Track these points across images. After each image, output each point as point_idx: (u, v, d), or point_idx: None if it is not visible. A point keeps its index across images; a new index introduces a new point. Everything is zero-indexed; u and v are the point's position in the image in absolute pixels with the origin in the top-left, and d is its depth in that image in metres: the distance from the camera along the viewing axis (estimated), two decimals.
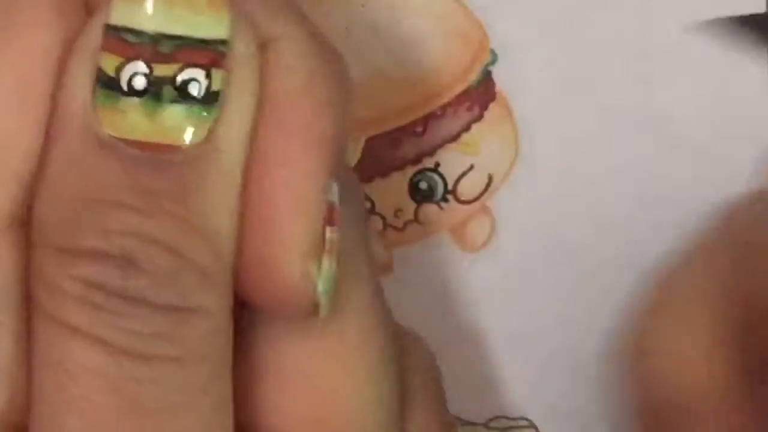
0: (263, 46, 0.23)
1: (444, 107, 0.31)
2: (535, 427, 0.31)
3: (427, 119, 0.31)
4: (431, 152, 0.31)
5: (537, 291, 0.31)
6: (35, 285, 0.22)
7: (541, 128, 0.31)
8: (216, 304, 0.22)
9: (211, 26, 0.22)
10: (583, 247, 0.31)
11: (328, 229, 0.23)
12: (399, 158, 0.31)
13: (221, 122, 0.22)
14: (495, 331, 0.31)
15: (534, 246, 0.31)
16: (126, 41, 0.21)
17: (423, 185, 0.31)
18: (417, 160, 0.31)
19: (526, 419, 0.31)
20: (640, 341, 0.28)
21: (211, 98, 0.22)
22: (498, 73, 0.31)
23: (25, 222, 0.22)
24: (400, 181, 0.31)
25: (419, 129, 0.31)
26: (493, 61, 0.31)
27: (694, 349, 0.27)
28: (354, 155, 0.31)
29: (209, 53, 0.22)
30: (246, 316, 0.24)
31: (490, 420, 0.31)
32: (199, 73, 0.22)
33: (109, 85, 0.21)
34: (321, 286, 0.23)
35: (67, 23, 0.22)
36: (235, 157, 0.22)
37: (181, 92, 0.21)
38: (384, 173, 0.31)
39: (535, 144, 0.31)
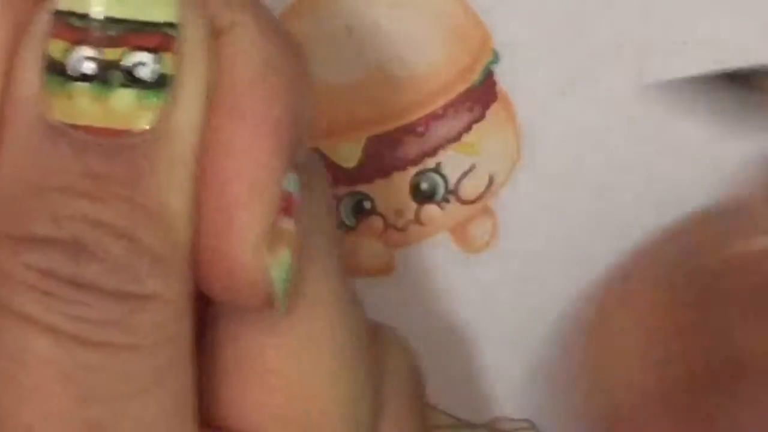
0: (218, 33, 0.22)
1: (445, 107, 0.31)
2: (537, 429, 0.31)
3: (429, 119, 0.31)
4: (432, 152, 0.31)
5: (538, 291, 0.31)
6: None
7: (543, 128, 0.31)
8: (171, 290, 0.22)
9: (158, 9, 0.22)
10: (584, 247, 0.31)
11: (284, 220, 0.23)
12: (400, 158, 0.31)
13: (173, 107, 0.22)
14: (496, 331, 0.31)
15: (535, 246, 0.31)
16: (72, 26, 0.21)
17: (424, 185, 0.31)
18: (418, 160, 0.31)
19: (528, 420, 0.31)
20: (583, 351, 0.28)
21: (160, 82, 0.21)
22: (500, 73, 0.31)
23: None
24: (401, 181, 0.31)
25: (420, 129, 0.31)
26: (495, 61, 0.30)
27: (633, 360, 0.26)
28: (355, 155, 0.31)
29: (157, 37, 0.21)
30: (210, 309, 0.24)
31: (492, 421, 0.31)
32: (147, 57, 0.21)
33: (57, 70, 0.21)
34: (276, 276, 0.22)
35: (16, 10, 0.22)
36: (187, 142, 0.22)
37: (130, 76, 0.21)
38: (385, 173, 0.31)
39: (536, 144, 0.31)
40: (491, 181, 0.31)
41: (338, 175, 0.31)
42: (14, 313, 0.21)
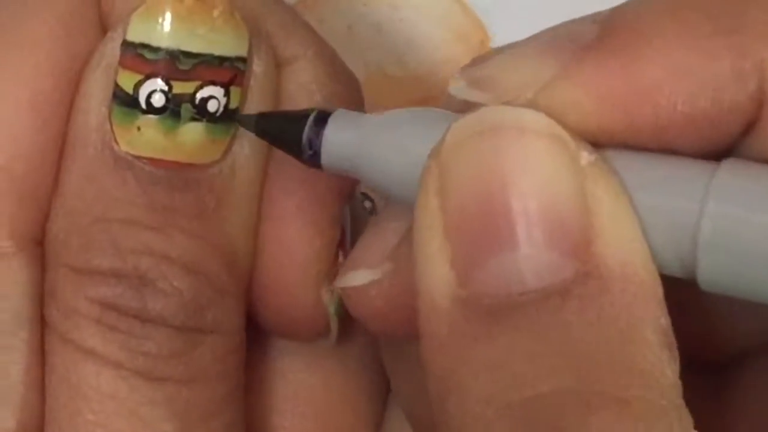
0: (279, 67, 0.23)
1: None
2: None
3: None
4: None
5: None
6: (50, 305, 0.21)
7: None
8: (232, 324, 0.22)
9: (230, 44, 0.21)
10: None
11: (339, 254, 0.23)
12: None
13: (238, 141, 0.22)
14: None
15: None
16: (144, 58, 0.21)
17: None
18: None
19: None
20: None
21: (228, 116, 0.21)
22: None
23: (39, 242, 0.22)
24: None
25: None
26: None
27: None
28: None
29: (228, 71, 0.21)
30: (254, 338, 0.24)
31: None
32: (218, 91, 0.21)
33: (126, 102, 0.21)
34: (332, 309, 0.23)
35: (77, 39, 0.22)
36: (251, 176, 0.22)
37: (199, 110, 0.21)
38: None
39: None
40: None
41: None
42: (78, 347, 0.21)
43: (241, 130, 0.22)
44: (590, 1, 0.30)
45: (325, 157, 0.20)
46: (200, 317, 0.21)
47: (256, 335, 0.23)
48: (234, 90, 0.21)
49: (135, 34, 0.21)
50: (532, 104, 0.18)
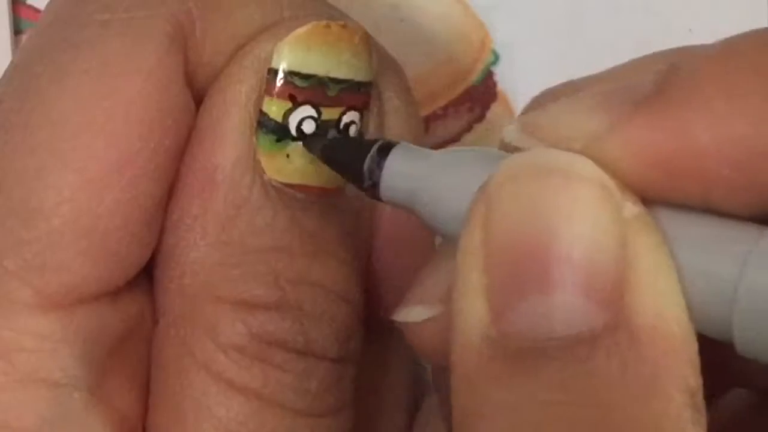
0: None
1: (445, 107, 0.31)
2: None
3: (429, 119, 0.31)
4: None
5: None
6: (195, 337, 0.21)
7: None
8: (357, 348, 0.22)
9: (366, 69, 0.22)
10: None
11: None
12: None
13: None
14: None
15: None
16: (295, 86, 0.21)
17: None
18: None
19: None
20: None
21: None
22: (500, 73, 0.31)
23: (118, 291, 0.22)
24: None
25: None
26: (495, 61, 0.31)
27: None
28: None
29: (364, 96, 0.22)
30: None
31: None
32: (356, 116, 0.22)
33: (275, 130, 0.21)
34: None
35: (166, 93, 0.21)
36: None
37: (343, 135, 0.22)
38: None
39: None
40: None
41: None
42: (226, 382, 0.21)
43: None
44: (590, 2, 0.30)
45: (384, 189, 0.20)
46: (348, 347, 0.21)
47: None
48: (365, 114, 0.22)
49: (285, 63, 0.21)
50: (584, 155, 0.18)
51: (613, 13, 0.30)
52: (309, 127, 0.21)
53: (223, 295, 0.21)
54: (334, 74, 0.21)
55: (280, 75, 0.21)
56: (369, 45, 0.22)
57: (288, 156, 0.21)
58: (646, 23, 0.30)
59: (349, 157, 0.20)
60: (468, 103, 0.31)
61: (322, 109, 0.21)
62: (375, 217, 0.23)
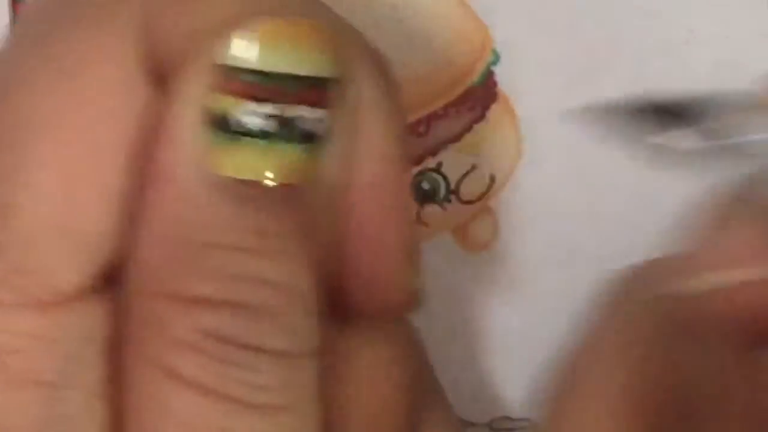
0: None
1: (446, 107, 0.31)
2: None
3: (429, 119, 0.31)
4: (433, 152, 0.31)
5: (539, 291, 0.31)
6: (146, 337, 0.21)
7: (543, 128, 0.31)
8: (319, 341, 0.22)
9: (325, 64, 0.21)
10: (585, 248, 0.31)
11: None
12: None
13: (331, 157, 0.22)
14: (497, 331, 0.31)
15: (536, 246, 0.31)
16: (246, 82, 0.21)
17: (425, 185, 0.31)
18: (419, 160, 0.31)
19: (528, 420, 0.31)
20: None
21: (324, 135, 0.21)
22: (500, 73, 0.31)
23: (99, 289, 0.21)
24: None
25: (421, 129, 0.31)
26: (495, 61, 0.31)
27: None
28: None
29: (326, 92, 0.21)
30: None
31: (493, 421, 0.31)
32: (317, 112, 0.21)
33: (223, 126, 0.21)
34: (419, 280, 0.23)
35: (134, 88, 0.21)
36: (341, 189, 0.22)
37: (300, 131, 0.21)
38: None
39: (537, 144, 0.31)
40: (492, 181, 0.31)
41: None
42: (181, 380, 0.21)
43: (335, 146, 0.22)
44: (590, 2, 0.31)
45: None
46: (301, 342, 0.21)
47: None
48: (330, 110, 0.21)
49: (230, 58, 0.21)
50: None
51: (614, 14, 0.30)
52: (261, 124, 0.21)
53: (171, 292, 0.21)
54: (292, 71, 0.21)
55: (231, 71, 0.21)
56: (333, 41, 0.21)
57: (239, 153, 0.21)
58: (646, 23, 0.30)
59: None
60: (468, 103, 0.31)
61: (279, 107, 0.21)
62: (344, 208, 0.22)
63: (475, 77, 0.31)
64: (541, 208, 0.31)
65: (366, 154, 0.22)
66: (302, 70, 0.21)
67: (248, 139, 0.21)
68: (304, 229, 0.21)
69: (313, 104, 0.21)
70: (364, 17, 0.30)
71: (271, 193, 0.21)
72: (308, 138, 0.21)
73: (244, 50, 0.21)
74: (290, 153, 0.21)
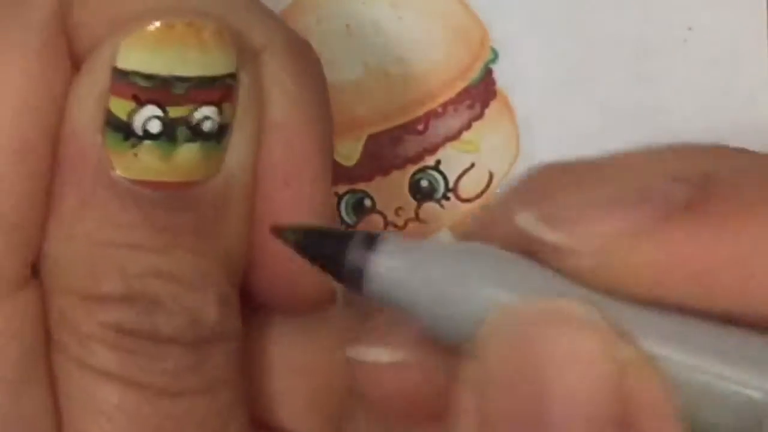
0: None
1: (445, 105, 0.31)
2: None
3: (428, 117, 0.31)
4: (432, 150, 0.31)
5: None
6: (61, 332, 0.22)
7: (542, 126, 0.31)
8: (234, 327, 0.22)
9: (221, 63, 0.21)
10: None
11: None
12: (400, 156, 0.31)
13: (230, 152, 0.22)
14: None
15: None
16: (138, 86, 0.21)
17: (424, 183, 0.31)
18: (418, 158, 0.31)
19: None
20: None
21: (222, 132, 0.22)
22: (499, 72, 0.31)
23: (36, 272, 0.22)
24: (401, 179, 0.31)
25: (420, 127, 0.31)
26: (494, 59, 0.31)
27: None
28: (355, 153, 0.31)
29: (220, 90, 0.21)
30: (249, 318, 0.24)
31: None
32: (211, 111, 0.21)
33: (121, 129, 0.21)
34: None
35: (52, 74, 0.22)
36: (245, 182, 0.22)
37: (195, 131, 0.21)
38: (385, 171, 0.31)
39: (535, 142, 0.31)
40: (491, 178, 0.31)
41: (339, 173, 0.31)
42: (97, 372, 0.21)
43: (234, 140, 0.22)
44: (589, 1, 0.31)
45: (370, 284, 0.19)
46: (209, 330, 0.22)
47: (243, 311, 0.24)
48: (226, 106, 0.22)
49: (126, 62, 0.21)
50: (605, 254, 0.18)
51: (612, 12, 0.30)
52: (155, 127, 0.21)
53: (77, 290, 0.21)
54: (179, 73, 0.21)
55: (123, 75, 0.21)
56: (224, 38, 0.21)
57: (136, 155, 0.21)
58: (645, 22, 0.30)
59: (328, 249, 0.19)
60: (467, 101, 0.31)
61: (169, 108, 0.21)
62: (254, 204, 0.23)
63: (473, 75, 0.31)
64: None
65: (275, 139, 0.22)
66: (190, 71, 0.21)
67: (149, 142, 0.21)
68: (205, 223, 0.21)
69: (205, 103, 0.21)
70: (362, 15, 0.30)
71: (169, 192, 0.21)
72: (204, 136, 0.21)
73: (132, 54, 0.21)
74: (187, 152, 0.21)
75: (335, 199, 0.31)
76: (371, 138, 0.31)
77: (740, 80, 0.31)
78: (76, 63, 0.22)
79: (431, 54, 0.31)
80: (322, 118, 0.23)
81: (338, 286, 0.23)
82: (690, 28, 0.31)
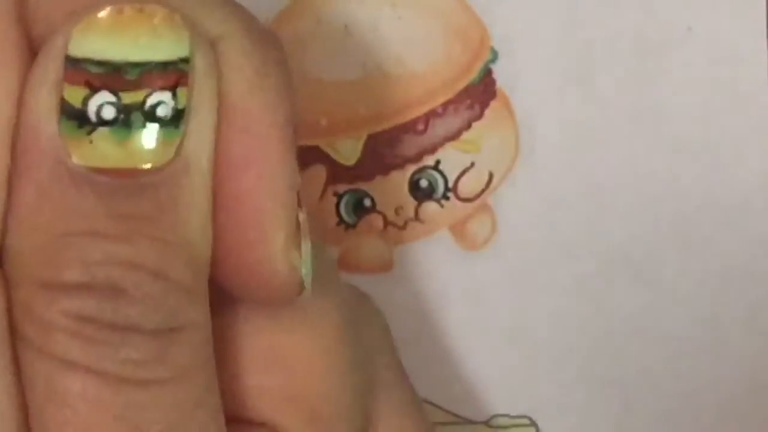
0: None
1: (445, 105, 0.31)
2: (536, 425, 0.31)
3: (428, 117, 0.31)
4: (432, 150, 0.31)
5: (537, 289, 0.31)
6: (23, 322, 0.22)
7: (542, 126, 0.31)
8: (200, 315, 0.22)
9: (173, 47, 0.21)
10: (583, 245, 0.31)
11: (299, 212, 0.23)
12: (400, 156, 0.31)
13: (188, 137, 0.22)
14: (495, 329, 0.31)
15: (534, 244, 0.31)
16: (90, 72, 0.21)
17: (424, 183, 0.31)
18: (418, 157, 0.31)
19: (527, 417, 0.31)
20: None
21: (178, 116, 0.22)
22: (499, 71, 0.31)
23: None
24: (400, 178, 0.31)
25: (420, 127, 0.31)
26: (494, 59, 0.31)
27: None
28: (355, 153, 0.31)
29: (173, 74, 0.21)
30: (222, 310, 0.24)
31: (491, 418, 0.31)
32: (165, 95, 0.21)
33: (76, 116, 0.21)
34: (304, 269, 0.23)
35: (7, 63, 0.22)
36: (205, 168, 0.22)
37: (150, 116, 0.21)
38: (385, 171, 0.31)
39: (535, 142, 0.31)
40: (490, 178, 0.31)
41: (338, 172, 0.31)
42: (59, 360, 0.21)
43: (191, 125, 0.22)
44: (589, 2, 0.31)
45: None
46: (173, 318, 0.22)
47: (216, 302, 0.23)
48: (181, 91, 0.21)
49: (78, 49, 0.21)
50: None
51: (612, 12, 0.30)
52: (109, 113, 0.21)
53: (39, 280, 0.21)
54: (130, 58, 0.21)
55: (75, 62, 0.21)
56: (176, 22, 0.21)
57: (91, 142, 0.21)
58: (645, 22, 0.30)
59: None
60: (467, 101, 0.31)
61: (122, 94, 0.21)
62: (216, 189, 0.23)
63: (473, 75, 0.31)
64: (540, 206, 0.31)
65: (233, 124, 0.22)
66: (142, 56, 0.21)
67: (103, 129, 0.21)
68: (165, 209, 0.21)
69: (158, 88, 0.21)
70: (361, 15, 0.30)
71: (126, 179, 0.21)
72: (160, 121, 0.21)
73: (84, 42, 0.21)
74: (142, 137, 0.21)
75: (335, 199, 0.31)
76: (371, 138, 0.31)
77: (740, 80, 0.31)
78: (34, 52, 0.22)
79: (431, 54, 0.31)
80: (284, 102, 0.23)
81: (307, 278, 0.23)
82: (690, 28, 0.30)
